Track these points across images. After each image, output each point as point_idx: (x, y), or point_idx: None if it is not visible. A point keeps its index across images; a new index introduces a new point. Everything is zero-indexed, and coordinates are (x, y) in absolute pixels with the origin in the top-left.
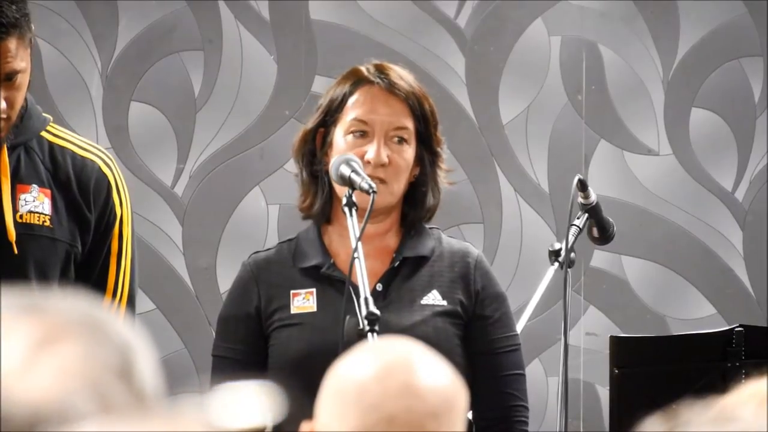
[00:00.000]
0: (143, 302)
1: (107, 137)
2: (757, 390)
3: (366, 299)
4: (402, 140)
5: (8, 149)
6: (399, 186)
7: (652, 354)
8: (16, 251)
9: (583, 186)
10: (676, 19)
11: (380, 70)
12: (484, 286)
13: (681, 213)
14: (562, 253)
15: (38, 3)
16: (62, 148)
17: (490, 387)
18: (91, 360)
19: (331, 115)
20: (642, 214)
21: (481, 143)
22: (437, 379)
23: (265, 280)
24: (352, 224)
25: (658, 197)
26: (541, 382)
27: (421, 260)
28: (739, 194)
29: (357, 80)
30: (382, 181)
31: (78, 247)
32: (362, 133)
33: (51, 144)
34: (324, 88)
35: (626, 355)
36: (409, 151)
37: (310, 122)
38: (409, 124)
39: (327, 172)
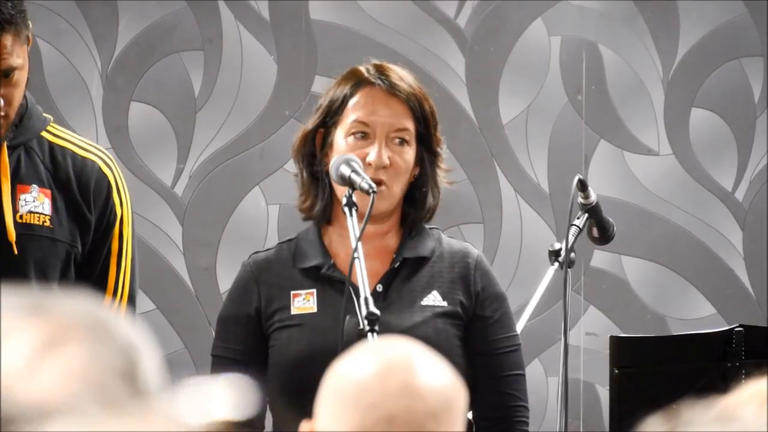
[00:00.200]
0: (143, 302)
1: (107, 137)
2: (758, 390)
3: (366, 299)
4: (403, 141)
5: (8, 149)
6: (399, 188)
7: (652, 354)
8: (16, 251)
9: (583, 186)
10: (676, 19)
11: (380, 71)
12: (484, 286)
13: (681, 213)
14: (562, 253)
15: (38, 3)
16: (62, 148)
17: (490, 387)
18: (95, 361)
19: (331, 116)
20: (642, 214)
21: (481, 143)
22: (437, 378)
23: (266, 280)
24: (352, 224)
25: (658, 197)
26: (541, 382)
27: (422, 261)
28: (739, 194)
29: (357, 81)
30: (383, 183)
31: (78, 248)
32: (363, 134)
33: (51, 144)
34: (324, 88)
35: (626, 355)
36: (410, 152)
37: (310, 123)
38: (410, 125)
39: (327, 173)
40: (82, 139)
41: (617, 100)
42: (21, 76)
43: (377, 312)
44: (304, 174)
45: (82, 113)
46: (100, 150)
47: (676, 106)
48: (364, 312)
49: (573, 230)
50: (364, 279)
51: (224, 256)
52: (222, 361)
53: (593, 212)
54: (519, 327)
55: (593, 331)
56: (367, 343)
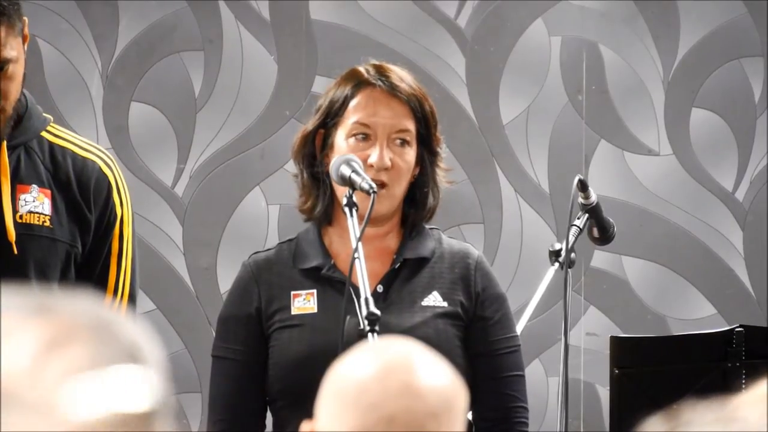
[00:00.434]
0: (144, 302)
1: (107, 137)
2: (762, 392)
3: (366, 299)
4: (404, 142)
5: (8, 149)
6: (400, 189)
7: (652, 354)
8: (16, 251)
9: (583, 186)
10: (676, 19)
11: (380, 71)
12: (484, 287)
13: (681, 213)
14: (563, 253)
15: (38, 3)
16: (62, 148)
17: (490, 388)
18: (99, 362)
19: (331, 117)
20: (642, 214)
21: (481, 143)
22: (437, 379)
23: (266, 280)
24: (353, 225)
25: (658, 197)
26: (541, 383)
27: (422, 261)
28: (740, 194)
29: (358, 82)
30: (384, 184)
31: (78, 248)
32: (364, 136)
33: (51, 144)
34: (324, 88)
35: (626, 355)
36: (411, 153)
37: (310, 124)
38: (411, 126)
39: (327, 174)
40: (82, 139)
41: (617, 100)
42: (16, 69)
43: (378, 312)
44: (305, 175)
45: (82, 113)
46: (100, 150)
47: (676, 106)
48: (364, 312)
49: (573, 230)
50: (364, 279)
51: (224, 256)
52: (222, 362)
53: (593, 212)
54: (519, 327)
55: (593, 332)
56: (367, 344)
